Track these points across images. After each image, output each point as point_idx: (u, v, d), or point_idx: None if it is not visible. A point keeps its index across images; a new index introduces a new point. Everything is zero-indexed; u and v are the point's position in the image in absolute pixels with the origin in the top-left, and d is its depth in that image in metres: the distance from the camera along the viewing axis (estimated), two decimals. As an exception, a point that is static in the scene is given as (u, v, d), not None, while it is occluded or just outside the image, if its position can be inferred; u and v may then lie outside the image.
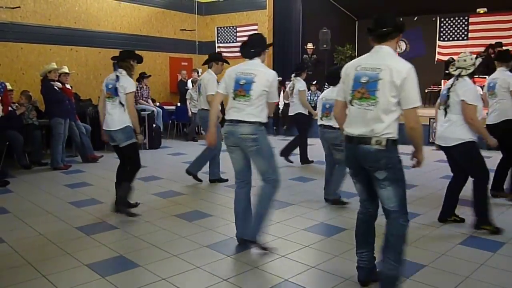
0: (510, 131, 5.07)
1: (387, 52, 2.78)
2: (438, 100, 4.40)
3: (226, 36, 12.79)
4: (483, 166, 4.14)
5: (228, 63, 5.76)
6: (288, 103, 8.12)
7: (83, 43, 10.22)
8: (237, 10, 12.79)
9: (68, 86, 7.72)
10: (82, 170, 7.05)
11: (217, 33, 13.04)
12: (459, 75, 4.10)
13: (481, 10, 12.41)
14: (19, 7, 9.05)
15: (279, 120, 11.08)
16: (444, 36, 12.82)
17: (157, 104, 10.68)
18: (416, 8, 12.91)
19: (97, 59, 10.51)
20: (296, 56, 12.41)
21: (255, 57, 3.73)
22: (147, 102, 10.00)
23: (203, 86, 5.97)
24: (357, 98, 2.77)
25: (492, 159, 5.58)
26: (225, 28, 12.95)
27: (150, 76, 10.24)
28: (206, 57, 6.31)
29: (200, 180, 6.16)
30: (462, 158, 4.16)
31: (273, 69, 13.42)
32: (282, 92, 9.48)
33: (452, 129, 4.08)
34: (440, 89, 9.54)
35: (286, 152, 7.47)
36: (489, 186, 4.44)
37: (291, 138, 7.94)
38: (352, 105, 2.82)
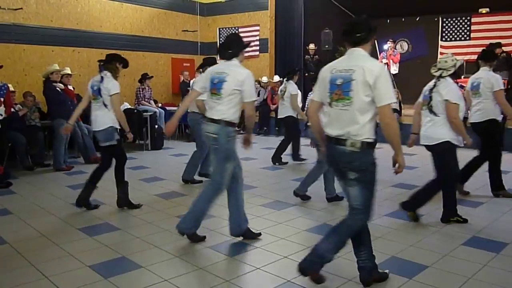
0: (493, 130, 5.21)
1: (360, 54, 2.87)
2: (418, 100, 4.52)
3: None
4: (454, 168, 4.32)
5: None
6: None
7: (85, 44, 10.23)
8: (239, 11, 12.79)
9: (70, 87, 7.74)
10: (85, 171, 7.04)
11: (219, 34, 13.04)
12: (440, 76, 4.23)
13: (484, 10, 12.37)
14: (21, 8, 9.07)
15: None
16: (446, 36, 12.79)
17: (159, 105, 10.68)
18: (418, 8, 12.90)
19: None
20: (298, 57, 12.40)
21: (233, 58, 3.80)
22: (149, 103, 10.01)
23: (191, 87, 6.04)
24: (335, 100, 2.87)
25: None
26: (227, 29, 12.95)
27: (152, 77, 10.23)
28: (207, 58, 6.32)
29: (201, 181, 6.20)
30: (439, 156, 4.30)
31: (275, 70, 13.32)
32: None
33: (434, 129, 4.22)
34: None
35: (276, 159, 7.64)
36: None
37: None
38: (331, 107, 2.91)
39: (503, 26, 11.85)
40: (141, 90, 9.97)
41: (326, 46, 12.03)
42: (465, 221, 4.37)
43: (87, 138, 7.83)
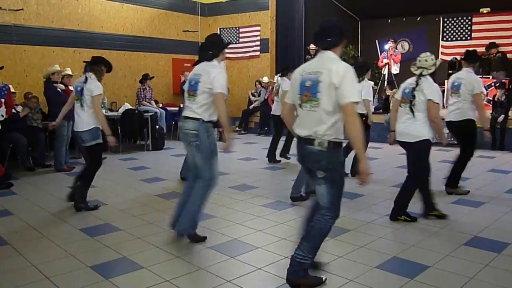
0: (470, 130, 5.28)
1: (329, 57, 2.94)
2: (396, 97, 4.59)
3: (229, 37, 12.79)
4: (427, 166, 4.42)
5: None
6: None
7: (86, 45, 10.22)
8: (240, 11, 12.80)
9: (71, 88, 7.73)
10: (86, 172, 7.06)
11: (220, 34, 13.03)
12: (421, 75, 4.31)
13: (485, 10, 12.35)
14: (22, 9, 9.08)
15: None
16: (447, 36, 12.78)
17: (160, 105, 10.68)
18: (419, 8, 12.89)
19: (100, 60, 10.51)
20: (298, 57, 12.38)
21: (214, 58, 3.84)
22: (150, 103, 10.01)
23: None
24: (304, 102, 2.94)
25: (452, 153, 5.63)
26: (228, 29, 12.96)
27: (153, 77, 10.24)
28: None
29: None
30: (415, 154, 4.37)
31: (276, 70, 13.30)
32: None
33: (415, 127, 4.27)
34: (444, 89, 9.51)
35: (271, 158, 7.72)
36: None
37: (290, 138, 7.99)
38: (301, 108, 2.99)
39: (504, 26, 11.83)
40: (142, 90, 9.98)
41: (327, 46, 12.01)
42: (444, 216, 4.47)
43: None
